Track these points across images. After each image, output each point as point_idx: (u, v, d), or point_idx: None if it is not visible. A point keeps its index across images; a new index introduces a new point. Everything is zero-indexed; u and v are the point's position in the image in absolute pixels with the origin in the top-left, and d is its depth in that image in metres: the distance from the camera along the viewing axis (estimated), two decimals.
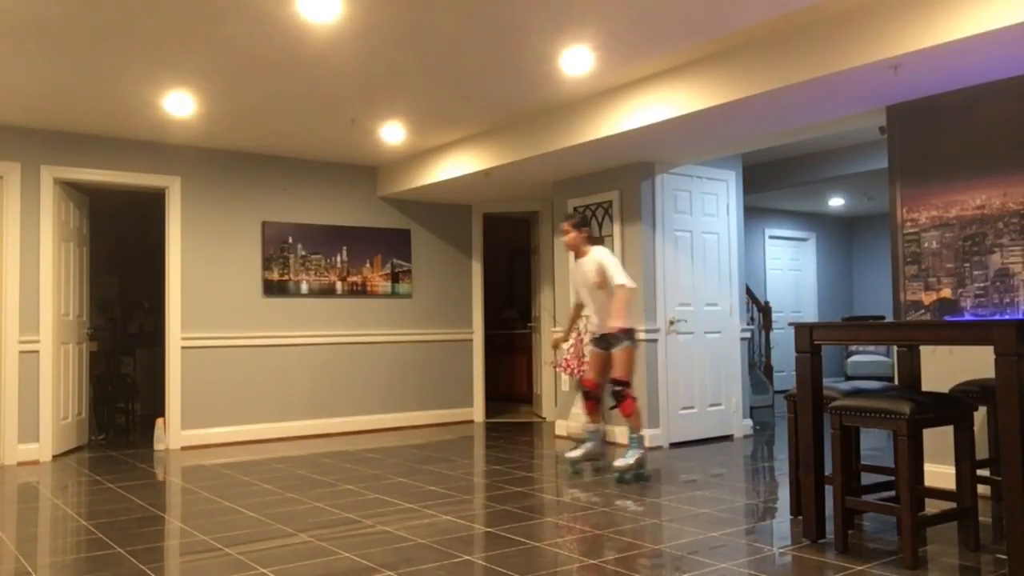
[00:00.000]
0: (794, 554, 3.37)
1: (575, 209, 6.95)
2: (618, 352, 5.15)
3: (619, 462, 5.08)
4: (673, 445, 6.38)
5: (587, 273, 5.27)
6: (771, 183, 8.50)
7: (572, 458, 5.35)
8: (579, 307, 5.57)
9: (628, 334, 5.15)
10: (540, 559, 3.33)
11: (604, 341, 5.27)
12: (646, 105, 5.16)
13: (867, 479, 4.41)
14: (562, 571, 3.16)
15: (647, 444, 6.25)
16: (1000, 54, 3.87)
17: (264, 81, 5.17)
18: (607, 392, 5.27)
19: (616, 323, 5.02)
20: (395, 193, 7.72)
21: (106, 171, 6.54)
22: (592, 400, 5.36)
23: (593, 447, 5.36)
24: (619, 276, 5.08)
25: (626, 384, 5.12)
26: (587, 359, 6.43)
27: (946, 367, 4.46)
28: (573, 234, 5.28)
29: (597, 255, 5.22)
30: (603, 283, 5.16)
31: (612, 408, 5.34)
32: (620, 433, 6.47)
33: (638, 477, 5.07)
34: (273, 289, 7.23)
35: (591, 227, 5.30)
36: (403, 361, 7.94)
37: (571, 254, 5.58)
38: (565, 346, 6.65)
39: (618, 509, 4.24)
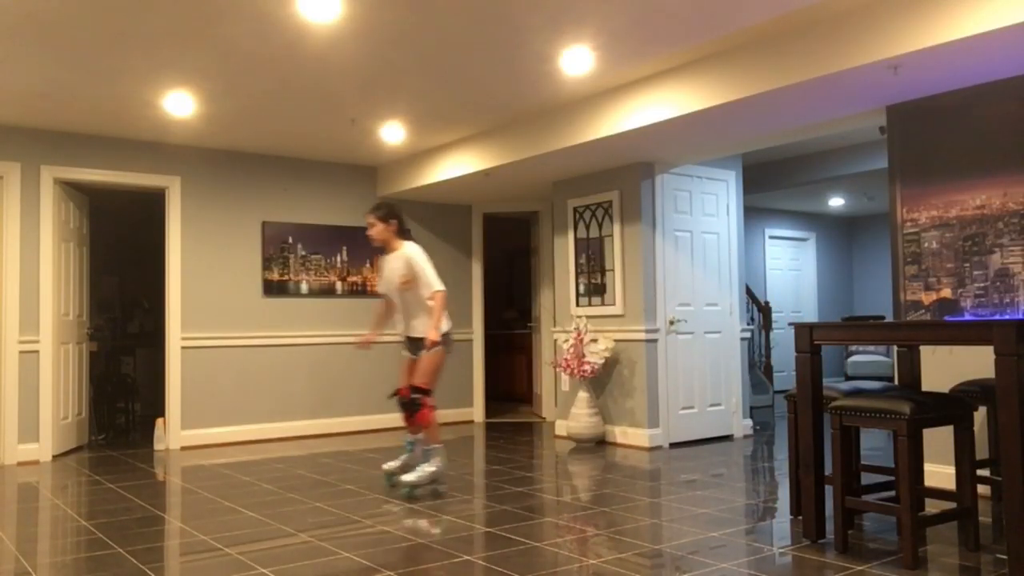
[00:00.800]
0: (794, 554, 3.37)
1: (575, 209, 6.95)
2: (424, 357, 4.70)
3: (408, 476, 4.63)
4: (673, 445, 6.38)
5: (394, 271, 4.78)
6: (771, 183, 8.50)
7: (388, 469, 4.93)
8: (389, 303, 5.05)
9: (442, 340, 4.71)
10: (540, 559, 3.33)
11: (414, 345, 4.82)
12: (646, 105, 5.16)
13: (867, 479, 4.41)
14: (562, 571, 3.16)
15: (651, 443, 6.24)
16: (1000, 54, 3.87)
17: (264, 81, 5.17)
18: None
19: (433, 334, 4.60)
20: (395, 193, 7.72)
21: (106, 171, 6.54)
22: (408, 409, 4.85)
23: (411, 458, 4.90)
24: (435, 281, 4.68)
25: (425, 392, 4.69)
26: (587, 359, 6.44)
27: (946, 367, 4.46)
28: (380, 227, 4.78)
29: (408, 252, 4.75)
30: (410, 283, 4.71)
31: (409, 416, 4.78)
32: (620, 433, 6.47)
33: (433, 493, 4.67)
34: (273, 289, 7.23)
35: (403, 219, 4.87)
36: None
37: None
38: (566, 346, 6.64)
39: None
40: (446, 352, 4.77)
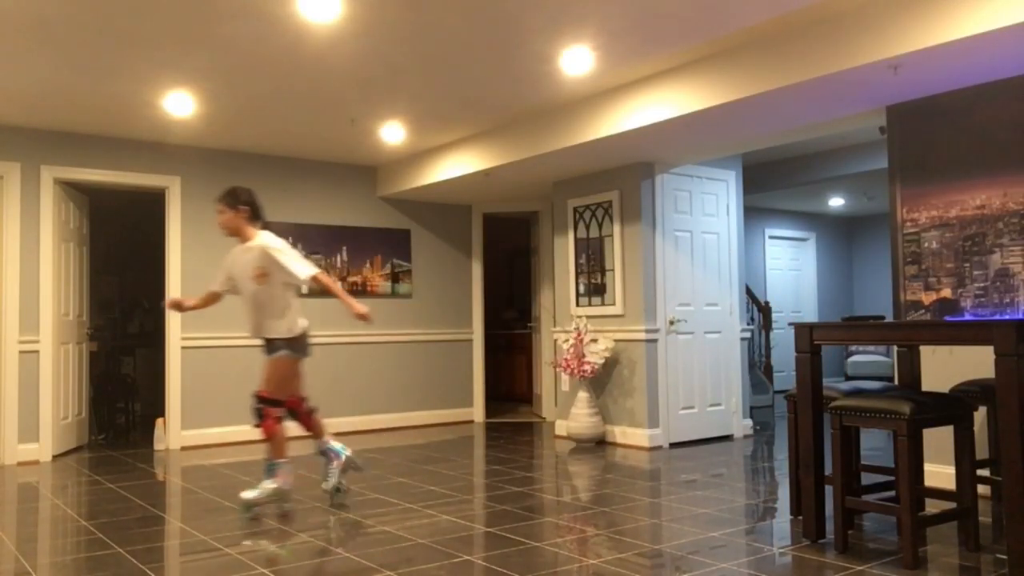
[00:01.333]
0: (794, 554, 3.37)
1: (575, 209, 6.95)
2: (269, 361, 4.28)
3: (247, 493, 4.20)
4: (673, 445, 6.38)
5: (247, 264, 4.26)
6: (771, 183, 8.50)
7: (326, 490, 4.51)
8: (213, 295, 4.53)
9: (290, 344, 4.26)
10: (540, 559, 3.33)
11: (269, 346, 4.34)
12: (646, 105, 5.16)
13: (867, 479, 4.41)
14: (562, 571, 3.16)
15: (651, 443, 6.24)
16: (1000, 54, 3.87)
17: (264, 81, 5.17)
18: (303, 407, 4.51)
19: (360, 309, 4.22)
20: (395, 193, 7.72)
21: (106, 171, 6.54)
22: (300, 418, 4.45)
23: (326, 466, 4.51)
24: (303, 267, 4.21)
25: (270, 402, 4.23)
26: (587, 359, 6.44)
27: (946, 367, 4.46)
28: (229, 214, 4.26)
29: (263, 242, 4.24)
30: (266, 277, 4.21)
31: (255, 426, 4.31)
32: (620, 433, 6.47)
33: (279, 513, 4.23)
34: None
35: (259, 206, 4.37)
36: (403, 361, 7.94)
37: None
38: (566, 346, 6.65)
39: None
40: (300, 356, 4.33)
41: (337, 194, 7.67)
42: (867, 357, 10.25)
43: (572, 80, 5.20)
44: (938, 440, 4.51)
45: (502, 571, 3.16)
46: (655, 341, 6.36)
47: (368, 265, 7.77)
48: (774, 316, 10.32)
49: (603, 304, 6.66)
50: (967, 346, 4.31)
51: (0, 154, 6.12)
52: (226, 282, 4.44)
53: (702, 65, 4.80)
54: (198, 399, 6.84)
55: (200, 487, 5.04)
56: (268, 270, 4.21)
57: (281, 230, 7.26)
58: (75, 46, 4.50)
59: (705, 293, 6.74)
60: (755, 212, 10.64)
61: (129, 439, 7.30)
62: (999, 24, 3.50)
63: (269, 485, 4.24)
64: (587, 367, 6.40)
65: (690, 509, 4.20)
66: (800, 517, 3.90)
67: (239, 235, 4.33)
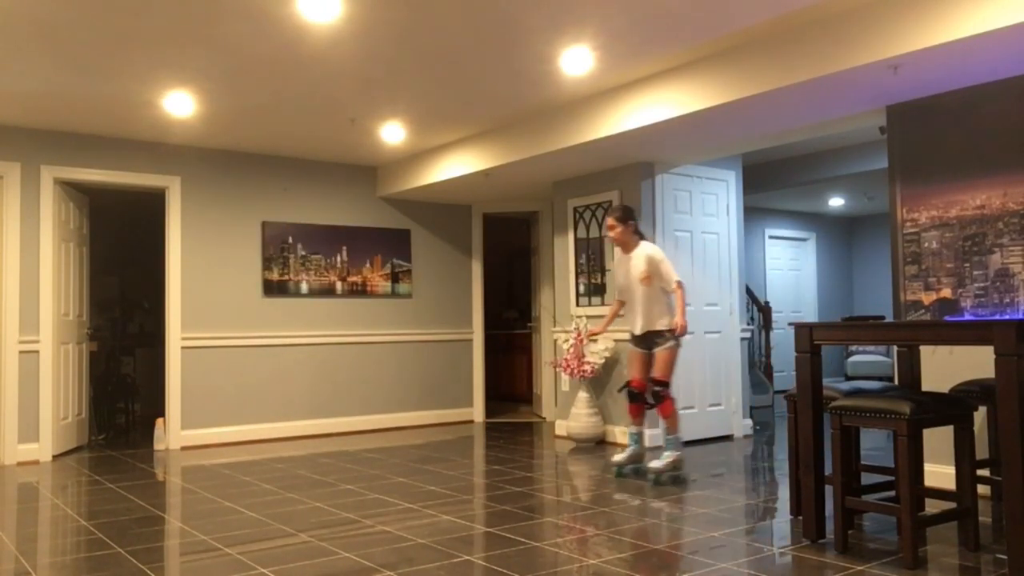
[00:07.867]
0: (794, 554, 3.37)
1: (575, 209, 6.95)
2: (662, 351, 5.09)
3: (655, 464, 4.96)
4: None
5: (634, 269, 5.14)
6: (771, 183, 8.50)
7: (617, 462, 5.19)
8: (620, 304, 5.42)
9: (675, 335, 5.07)
10: (540, 559, 3.33)
11: (650, 339, 5.14)
12: (646, 105, 5.16)
13: (867, 479, 4.41)
14: (562, 571, 3.16)
15: (651, 443, 6.25)
16: (1000, 54, 3.87)
17: (264, 81, 5.17)
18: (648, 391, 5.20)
19: (681, 320, 4.99)
20: (395, 193, 7.72)
21: (106, 171, 6.54)
22: (645, 401, 5.21)
23: (636, 450, 5.20)
24: (672, 274, 5.05)
25: (666, 384, 5.05)
26: (587, 359, 6.44)
27: (946, 367, 4.46)
28: (620, 228, 5.15)
29: (647, 251, 5.11)
30: (649, 280, 5.06)
31: (652, 406, 5.17)
32: (620, 433, 6.46)
33: (675, 480, 5.00)
34: (273, 289, 7.23)
35: (637, 222, 5.27)
36: (403, 361, 7.94)
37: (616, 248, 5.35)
38: (566, 346, 6.65)
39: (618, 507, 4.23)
40: (679, 345, 5.16)
41: (337, 194, 7.67)
42: (867, 357, 10.25)
43: (572, 80, 5.20)
44: (938, 440, 4.52)
45: (502, 571, 3.17)
46: None
47: (368, 265, 7.77)
48: (774, 316, 10.32)
49: (603, 304, 6.65)
50: (967, 346, 4.31)
51: (0, 154, 6.13)
52: (623, 291, 5.27)
53: (702, 65, 4.80)
54: (198, 399, 6.84)
55: (200, 487, 5.04)
56: (651, 274, 5.05)
57: (281, 230, 7.29)
58: (75, 46, 4.50)
59: (705, 293, 6.74)
60: (755, 212, 10.63)
61: (129, 439, 7.30)
62: (999, 24, 3.50)
63: (672, 455, 4.97)
64: (587, 367, 6.40)
65: (690, 509, 4.20)
66: (800, 517, 3.90)
67: (625, 247, 5.20)
